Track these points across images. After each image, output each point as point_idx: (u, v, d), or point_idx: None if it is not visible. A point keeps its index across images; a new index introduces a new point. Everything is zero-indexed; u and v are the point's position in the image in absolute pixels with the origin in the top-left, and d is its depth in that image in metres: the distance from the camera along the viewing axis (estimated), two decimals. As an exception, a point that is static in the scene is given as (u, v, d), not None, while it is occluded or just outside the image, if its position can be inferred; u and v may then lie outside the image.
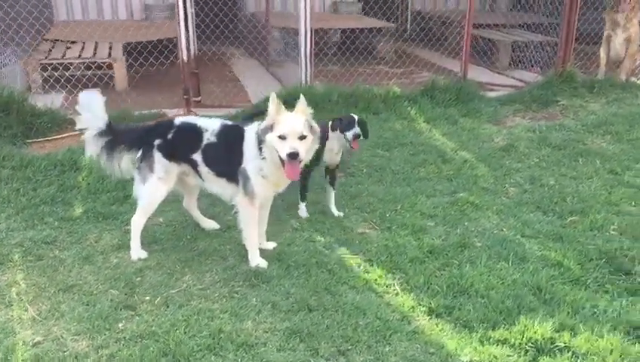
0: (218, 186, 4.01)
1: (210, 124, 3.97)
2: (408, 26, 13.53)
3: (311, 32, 7.20)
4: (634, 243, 4.26)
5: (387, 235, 4.45)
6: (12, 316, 3.46)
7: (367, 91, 7.49)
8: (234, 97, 7.88)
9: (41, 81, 8.33)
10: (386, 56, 11.22)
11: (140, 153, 4.02)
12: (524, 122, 7.26)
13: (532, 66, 9.78)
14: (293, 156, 3.55)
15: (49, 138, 6.43)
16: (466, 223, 4.65)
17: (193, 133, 3.94)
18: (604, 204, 4.93)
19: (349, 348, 3.23)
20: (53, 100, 7.63)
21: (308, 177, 4.71)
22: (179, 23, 6.92)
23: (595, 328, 3.30)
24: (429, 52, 11.64)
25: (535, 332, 3.25)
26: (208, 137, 3.91)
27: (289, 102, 7.00)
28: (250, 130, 3.88)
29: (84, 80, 7.89)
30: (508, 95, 8.13)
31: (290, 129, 3.60)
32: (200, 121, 4.02)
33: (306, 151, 3.66)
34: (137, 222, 4.12)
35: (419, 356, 3.15)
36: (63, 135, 6.48)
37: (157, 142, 3.95)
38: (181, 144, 3.96)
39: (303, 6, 7.06)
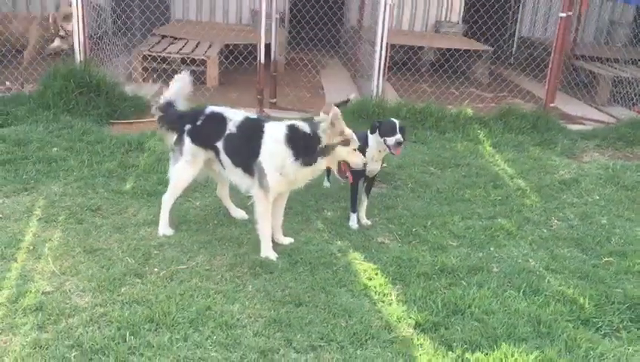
0: (236, 176, 4.21)
1: (234, 115, 4.18)
2: (513, 51, 13.16)
3: (387, 46, 7.25)
4: (667, 294, 3.93)
5: (405, 248, 4.42)
6: (36, 267, 3.84)
7: (438, 110, 7.42)
8: (308, 102, 8.11)
9: (140, 70, 9.04)
10: (481, 79, 11.02)
11: (175, 137, 4.32)
12: (602, 159, 6.85)
13: (634, 104, 9.18)
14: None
15: (129, 121, 6.99)
16: (492, 248, 4.51)
17: (219, 121, 4.17)
18: (650, 250, 4.58)
19: (322, 344, 3.27)
20: (149, 89, 8.29)
21: (357, 188, 4.71)
22: (260, 29, 7.24)
23: (581, 369, 3.12)
24: (530, 80, 11.24)
25: (513, 361, 3.12)
26: (230, 127, 4.12)
27: (358, 114, 7.12)
28: (274, 127, 4.03)
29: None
30: (592, 130, 7.71)
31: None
32: (227, 112, 4.24)
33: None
34: (166, 200, 4.41)
35: (385, 364, 3.14)
36: (142, 120, 7.01)
37: (187, 127, 4.22)
38: (207, 131, 4.20)
39: (381, 20, 7.15)
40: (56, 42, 8.10)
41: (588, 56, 10.99)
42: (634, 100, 9.28)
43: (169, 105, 4.38)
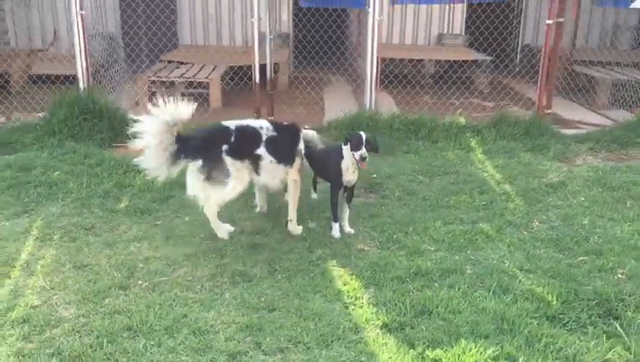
0: (273, 173, 4.72)
1: (259, 123, 4.74)
2: (517, 60, 13.22)
3: (377, 60, 7.43)
4: (637, 290, 3.98)
5: (383, 254, 4.55)
6: (28, 283, 4.08)
7: (431, 120, 7.55)
8: (304, 119, 8.31)
9: (146, 94, 9.37)
10: (481, 89, 11.11)
11: (200, 162, 4.51)
12: (595, 162, 6.89)
13: (630, 106, 9.17)
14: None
15: (131, 144, 7.25)
16: (469, 251, 4.61)
17: (252, 132, 4.63)
18: (627, 248, 4.62)
19: (290, 346, 3.42)
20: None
21: (335, 198, 4.89)
22: (253, 51, 7.50)
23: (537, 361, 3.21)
24: (533, 87, 11.28)
25: (470, 356, 3.23)
26: (266, 133, 4.61)
27: (351, 126, 7.28)
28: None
29: (185, 97, 8.75)
30: (586, 133, 7.75)
31: None
32: (251, 122, 4.77)
33: None
34: (214, 212, 4.72)
35: (347, 362, 3.27)
36: (143, 142, 7.27)
37: (225, 147, 4.52)
38: (246, 144, 4.59)
39: (371, 35, 7.34)
40: None
41: (589, 61, 11.01)
42: (634, 103, 9.29)
43: (181, 137, 4.52)
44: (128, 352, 3.33)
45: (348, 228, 4.97)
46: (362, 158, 4.60)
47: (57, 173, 6.08)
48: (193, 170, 4.55)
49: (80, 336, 3.47)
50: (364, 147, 4.60)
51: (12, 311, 3.71)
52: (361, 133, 4.72)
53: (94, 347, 3.36)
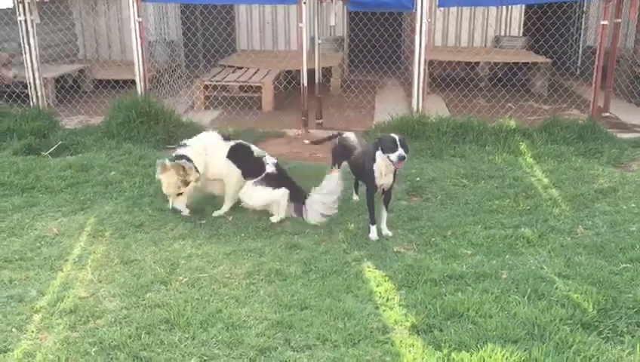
0: None
1: None
2: (579, 62, 12.83)
3: (425, 63, 7.42)
4: (681, 299, 3.84)
5: (419, 257, 4.56)
6: (78, 276, 4.33)
7: (480, 123, 7.47)
8: (352, 122, 8.38)
9: (202, 98, 9.69)
10: (540, 92, 10.86)
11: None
12: (652, 167, 6.65)
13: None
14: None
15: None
16: (507, 256, 4.56)
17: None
18: (675, 256, 4.46)
19: (318, 344, 3.50)
20: (209, 116, 8.93)
21: (370, 200, 4.95)
22: (301, 55, 7.64)
23: (564, 368, 3.16)
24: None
25: (495, 360, 3.22)
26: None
27: (399, 130, 7.28)
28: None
29: (238, 101, 9.03)
30: (645, 137, 7.47)
31: None
32: None
33: None
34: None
35: (372, 361, 3.32)
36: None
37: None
38: None
39: (419, 38, 7.33)
40: None
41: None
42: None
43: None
44: (164, 344, 3.50)
45: (386, 231, 5.01)
46: (401, 158, 4.61)
47: (113, 173, 6.40)
48: None
49: (121, 327, 3.67)
50: (400, 148, 4.62)
51: (61, 302, 3.95)
52: (393, 134, 4.74)
53: (133, 338, 3.55)
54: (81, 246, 4.81)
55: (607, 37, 7.70)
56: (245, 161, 5.38)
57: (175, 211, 5.29)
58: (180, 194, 5.27)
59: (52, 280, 4.26)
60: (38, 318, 3.78)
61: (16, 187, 6.02)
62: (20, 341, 3.55)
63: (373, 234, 4.94)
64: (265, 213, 5.34)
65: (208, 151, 5.36)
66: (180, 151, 5.31)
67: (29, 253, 4.66)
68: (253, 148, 5.52)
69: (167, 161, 5.22)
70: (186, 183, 5.24)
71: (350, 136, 5.40)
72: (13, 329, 3.66)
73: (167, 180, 5.23)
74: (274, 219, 5.25)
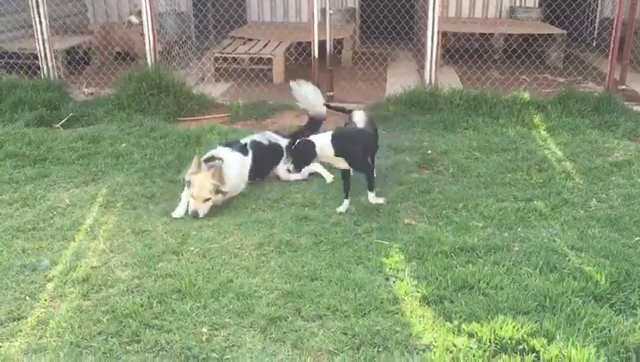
0: None
1: None
2: (595, 34, 12.59)
3: (438, 35, 7.30)
4: (696, 272, 3.81)
5: (430, 229, 4.54)
6: (90, 246, 4.36)
7: (493, 96, 7.36)
8: (364, 94, 8.30)
9: (213, 70, 9.63)
10: (556, 64, 10.69)
11: None
12: (669, 140, 6.54)
13: None
14: None
15: (194, 118, 7.53)
16: (519, 229, 4.53)
17: None
18: (690, 229, 4.40)
19: (328, 314, 3.51)
20: (220, 88, 8.88)
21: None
22: (312, 27, 7.55)
23: (576, 340, 3.14)
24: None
25: (506, 331, 3.21)
26: None
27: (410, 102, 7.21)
28: None
29: (249, 73, 8.98)
30: (662, 110, 7.33)
31: None
32: None
33: None
34: None
35: (382, 331, 3.32)
36: (206, 116, 7.53)
37: None
38: None
39: (432, 8, 7.21)
40: None
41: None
42: None
43: None
44: (175, 312, 3.52)
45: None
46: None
47: (124, 144, 6.40)
48: None
49: (133, 296, 3.70)
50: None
51: (74, 271, 3.99)
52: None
53: (145, 306, 3.57)
54: (92, 217, 4.83)
55: (625, 8, 7.53)
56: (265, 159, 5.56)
57: (195, 216, 4.82)
58: (207, 200, 4.87)
59: (64, 249, 4.30)
60: (51, 287, 3.82)
61: (28, 158, 6.04)
62: (33, 309, 3.59)
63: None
64: (275, 184, 5.33)
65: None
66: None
67: (41, 223, 4.69)
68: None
69: (203, 162, 4.98)
70: (218, 191, 4.91)
71: (358, 112, 5.28)
72: (27, 298, 3.71)
73: (200, 182, 4.84)
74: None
